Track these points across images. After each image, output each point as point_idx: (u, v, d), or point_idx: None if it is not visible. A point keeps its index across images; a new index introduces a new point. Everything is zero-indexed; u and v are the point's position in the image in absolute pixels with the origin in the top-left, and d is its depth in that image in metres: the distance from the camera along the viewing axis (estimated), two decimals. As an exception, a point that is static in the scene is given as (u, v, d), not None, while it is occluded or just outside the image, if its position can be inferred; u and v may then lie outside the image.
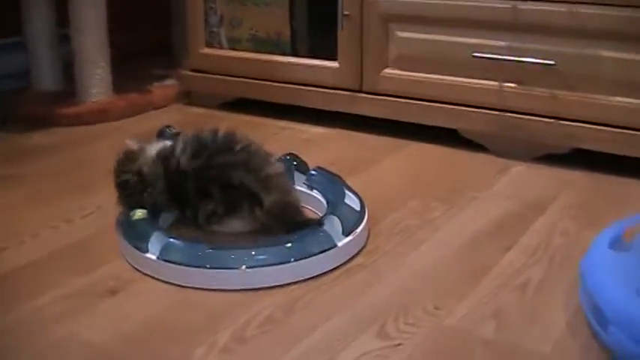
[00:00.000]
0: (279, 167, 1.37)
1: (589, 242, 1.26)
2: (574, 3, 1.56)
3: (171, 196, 1.34)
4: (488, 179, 1.60)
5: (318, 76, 1.92)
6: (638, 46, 1.53)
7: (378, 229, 1.36)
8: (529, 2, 1.61)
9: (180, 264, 1.18)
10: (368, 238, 1.32)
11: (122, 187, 1.36)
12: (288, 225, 1.28)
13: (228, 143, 1.35)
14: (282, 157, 1.45)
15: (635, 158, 1.58)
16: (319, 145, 1.84)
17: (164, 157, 1.34)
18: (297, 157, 1.47)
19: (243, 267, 1.17)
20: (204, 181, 1.30)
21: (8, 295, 1.17)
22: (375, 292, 1.16)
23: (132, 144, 1.39)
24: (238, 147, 1.34)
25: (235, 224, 1.32)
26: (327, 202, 1.36)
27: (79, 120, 2.05)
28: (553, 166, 1.65)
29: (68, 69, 2.19)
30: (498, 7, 1.64)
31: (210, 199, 1.30)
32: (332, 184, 1.41)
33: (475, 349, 1.01)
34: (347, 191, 1.37)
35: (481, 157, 1.72)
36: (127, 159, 1.37)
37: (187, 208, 1.33)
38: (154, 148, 1.37)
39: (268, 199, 1.30)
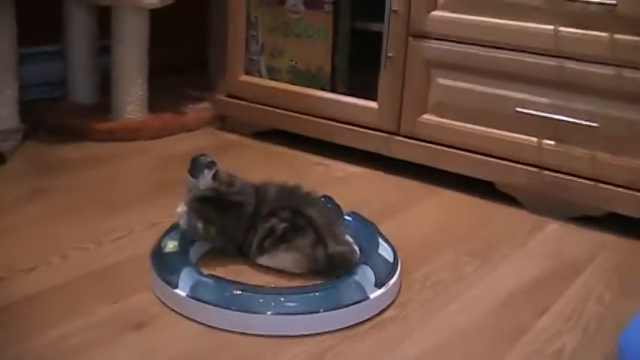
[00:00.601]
0: (344, 228, 1.39)
1: (624, 312, 1.25)
2: (621, 66, 1.55)
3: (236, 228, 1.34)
4: (523, 236, 1.57)
5: (356, 114, 1.91)
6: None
7: (409, 281, 1.34)
8: (577, 62, 1.59)
9: (209, 303, 1.16)
10: (399, 290, 1.30)
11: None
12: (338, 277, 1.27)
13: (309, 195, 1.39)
14: (319, 198, 1.43)
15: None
16: (352, 184, 1.83)
17: (257, 188, 1.38)
18: (332, 199, 1.45)
19: (268, 313, 1.15)
20: (277, 206, 1.33)
21: (32, 320, 1.16)
22: (406, 348, 1.14)
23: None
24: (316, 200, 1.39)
25: (287, 258, 1.31)
26: (360, 250, 1.34)
27: (112, 136, 2.05)
28: (589, 228, 1.62)
29: (105, 81, 2.19)
30: (544, 64, 1.63)
31: (275, 217, 1.32)
32: (366, 231, 1.40)
33: (508, 422, 0.99)
34: (380, 240, 1.35)
35: (515, 212, 1.70)
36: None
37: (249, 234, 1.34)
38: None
39: (333, 246, 1.30)
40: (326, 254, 1.29)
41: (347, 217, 1.42)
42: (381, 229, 1.42)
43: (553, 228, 1.63)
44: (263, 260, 1.33)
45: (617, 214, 1.61)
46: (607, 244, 1.56)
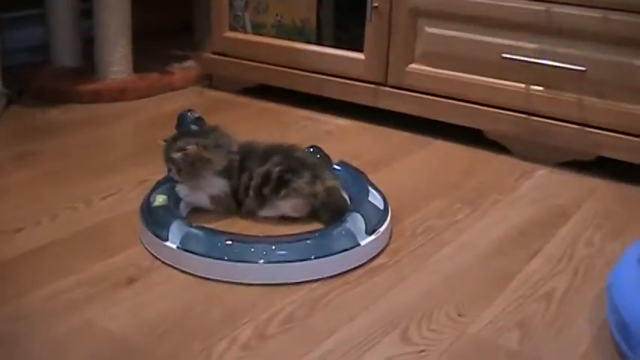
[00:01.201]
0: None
1: (614, 253, 1.26)
2: (608, 9, 1.54)
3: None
4: (512, 182, 1.58)
5: (343, 66, 1.90)
6: (672, 56, 1.51)
7: (400, 229, 1.34)
8: (563, 6, 1.58)
9: (200, 255, 1.16)
10: (390, 237, 1.30)
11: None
12: (335, 213, 1.28)
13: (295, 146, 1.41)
14: (306, 149, 1.43)
15: (662, 169, 1.56)
16: (341, 137, 1.82)
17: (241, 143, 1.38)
18: (320, 149, 1.45)
19: (261, 262, 1.16)
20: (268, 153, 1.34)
21: (23, 279, 1.15)
22: (397, 294, 1.14)
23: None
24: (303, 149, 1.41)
25: (287, 205, 1.33)
26: (350, 199, 1.34)
27: (98, 97, 2.03)
28: (577, 173, 1.62)
29: (88, 45, 2.17)
30: (531, 9, 1.61)
31: (268, 162, 1.33)
32: (356, 180, 1.39)
33: (500, 360, 1.00)
34: (370, 188, 1.35)
35: (504, 159, 1.70)
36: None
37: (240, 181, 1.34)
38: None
39: (330, 180, 1.34)
40: (324, 187, 1.32)
41: (336, 167, 1.42)
42: (371, 179, 1.41)
43: (542, 174, 1.63)
44: (265, 212, 1.34)
45: (606, 158, 1.61)
46: (596, 188, 1.56)
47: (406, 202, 1.44)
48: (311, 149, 1.44)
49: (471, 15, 1.69)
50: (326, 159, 1.43)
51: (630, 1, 1.51)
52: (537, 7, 1.61)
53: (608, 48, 1.56)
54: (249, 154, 1.35)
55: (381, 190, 1.37)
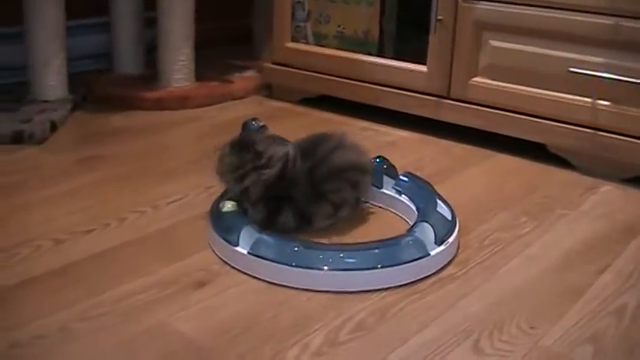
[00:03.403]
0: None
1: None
2: (678, 24, 1.53)
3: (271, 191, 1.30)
4: (577, 197, 1.56)
5: (405, 78, 1.90)
6: None
7: (467, 240, 1.33)
8: (631, 20, 1.57)
9: (270, 260, 1.17)
10: (458, 248, 1.30)
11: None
12: None
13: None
14: (372, 160, 1.43)
15: None
16: (403, 148, 1.82)
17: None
18: (386, 160, 1.45)
19: (325, 268, 1.16)
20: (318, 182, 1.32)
21: (93, 280, 1.17)
22: (468, 304, 1.13)
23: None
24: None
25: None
26: (417, 209, 1.34)
27: (160, 105, 2.06)
28: (643, 189, 1.61)
29: (150, 53, 2.20)
30: (597, 22, 1.60)
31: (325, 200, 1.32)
32: (422, 190, 1.39)
33: (575, 374, 0.99)
34: (438, 199, 1.35)
35: (568, 174, 1.69)
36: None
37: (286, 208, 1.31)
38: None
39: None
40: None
41: (402, 178, 1.42)
42: (437, 190, 1.41)
43: (607, 189, 1.61)
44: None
45: (672, 174, 1.60)
46: (663, 204, 1.55)
47: (471, 214, 1.44)
48: (377, 159, 1.44)
49: (536, 28, 1.68)
50: (392, 170, 1.44)
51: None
52: (605, 21, 1.59)
53: (677, 63, 1.55)
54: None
55: (448, 201, 1.37)
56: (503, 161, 1.76)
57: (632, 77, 1.57)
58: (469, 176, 1.67)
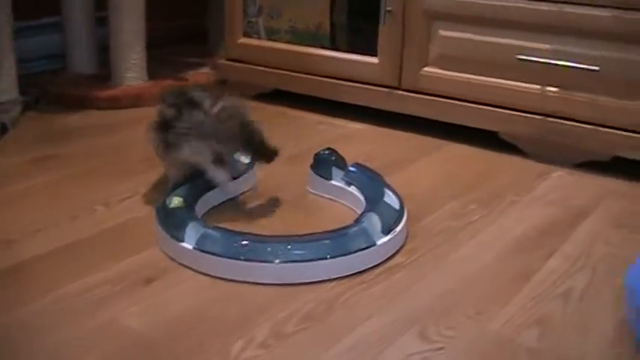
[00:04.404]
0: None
1: (632, 252, 1.25)
2: (620, 8, 1.54)
3: None
4: (528, 183, 1.57)
5: (357, 71, 1.90)
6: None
7: (416, 229, 1.34)
8: (576, 6, 1.58)
9: (216, 255, 1.16)
10: (407, 237, 1.30)
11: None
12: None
13: None
14: (321, 152, 1.43)
15: (679, 169, 1.56)
16: (356, 140, 1.82)
17: None
18: (335, 152, 1.45)
19: (277, 261, 1.16)
20: None
21: (45, 278, 1.16)
22: (415, 293, 1.14)
23: None
24: None
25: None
26: (366, 200, 1.34)
27: (114, 103, 2.05)
28: (594, 173, 1.62)
29: (104, 52, 2.18)
30: (544, 10, 1.62)
31: None
32: (371, 181, 1.39)
33: (519, 357, 0.99)
34: (386, 189, 1.35)
35: (520, 160, 1.70)
36: None
37: None
38: None
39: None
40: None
41: (351, 168, 1.42)
42: (388, 181, 1.42)
43: (558, 175, 1.63)
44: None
45: (622, 158, 1.61)
46: (613, 188, 1.56)
47: (422, 203, 1.44)
48: (326, 151, 1.44)
49: (485, 17, 1.69)
50: (341, 161, 1.44)
51: (643, 0, 1.51)
52: (551, 8, 1.61)
53: (621, 47, 1.56)
54: None
55: (397, 191, 1.37)
56: (456, 150, 1.76)
57: (579, 63, 1.59)
58: (422, 166, 1.68)
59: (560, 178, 1.61)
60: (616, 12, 1.54)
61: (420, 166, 1.67)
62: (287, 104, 2.05)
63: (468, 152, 1.75)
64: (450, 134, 1.80)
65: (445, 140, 1.80)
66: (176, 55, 2.48)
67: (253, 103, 2.08)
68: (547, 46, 1.63)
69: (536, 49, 1.64)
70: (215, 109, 1.33)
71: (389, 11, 1.80)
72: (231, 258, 1.15)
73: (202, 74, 2.25)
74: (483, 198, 1.49)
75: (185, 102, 1.35)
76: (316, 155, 1.46)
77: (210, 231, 1.19)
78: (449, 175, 1.62)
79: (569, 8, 1.59)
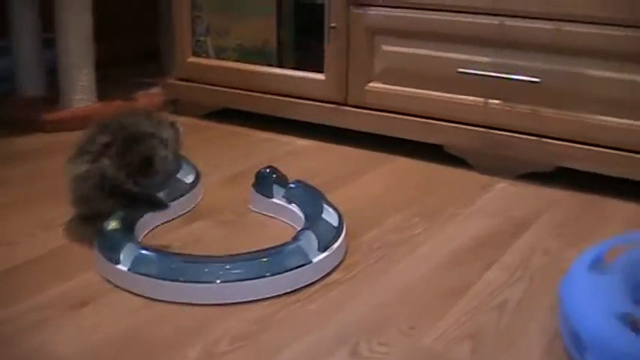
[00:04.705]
0: None
1: (570, 262, 1.25)
2: (560, 20, 1.55)
3: None
4: (471, 196, 1.58)
5: (304, 87, 1.91)
6: (623, 65, 1.52)
7: (356, 245, 1.34)
8: (515, 19, 1.60)
9: (151, 276, 1.16)
10: (346, 253, 1.30)
11: None
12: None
13: None
14: (262, 170, 1.43)
15: (619, 178, 1.57)
16: (302, 157, 1.83)
17: None
18: (276, 170, 1.45)
19: (218, 281, 1.15)
20: None
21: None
22: (349, 310, 1.14)
23: None
24: None
25: None
26: (305, 217, 1.34)
27: (62, 126, 2.03)
28: (537, 184, 1.63)
29: (53, 74, 2.17)
30: (484, 23, 1.63)
31: None
32: (311, 198, 1.39)
33: (448, 371, 1.00)
34: (325, 205, 1.35)
35: (465, 173, 1.71)
36: None
37: None
38: None
39: None
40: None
41: (291, 185, 1.42)
42: (330, 197, 1.42)
43: (502, 186, 1.64)
44: None
45: (565, 169, 1.62)
46: (555, 199, 1.57)
47: (364, 219, 1.44)
48: (267, 169, 1.44)
49: (426, 31, 1.70)
50: (282, 179, 1.44)
51: (580, 12, 1.53)
52: (490, 21, 1.62)
53: (561, 59, 1.57)
54: None
55: (339, 207, 1.37)
56: (402, 164, 1.77)
57: (518, 75, 1.60)
58: (367, 180, 1.68)
59: (503, 189, 1.62)
60: (556, 24, 1.56)
61: (364, 181, 1.68)
62: (236, 122, 2.05)
63: (414, 165, 1.76)
64: (396, 149, 1.81)
65: (391, 154, 1.81)
66: (129, 74, 2.47)
67: (203, 123, 2.09)
68: (488, 59, 1.65)
69: (477, 62, 1.66)
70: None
71: (333, 27, 1.81)
72: (165, 279, 1.15)
73: (152, 95, 2.24)
74: (426, 211, 1.49)
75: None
76: (258, 173, 1.46)
77: (145, 252, 1.18)
78: (393, 189, 1.63)
79: (509, 21, 1.61)
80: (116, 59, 2.44)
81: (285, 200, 1.42)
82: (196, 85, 2.10)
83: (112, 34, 2.24)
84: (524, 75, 1.60)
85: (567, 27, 1.55)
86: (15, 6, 2.16)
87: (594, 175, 1.59)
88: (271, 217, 1.44)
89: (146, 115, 1.51)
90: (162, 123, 1.50)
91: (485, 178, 1.67)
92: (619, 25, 1.50)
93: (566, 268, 1.11)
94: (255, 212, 1.47)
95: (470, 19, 1.64)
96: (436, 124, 1.73)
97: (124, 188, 1.32)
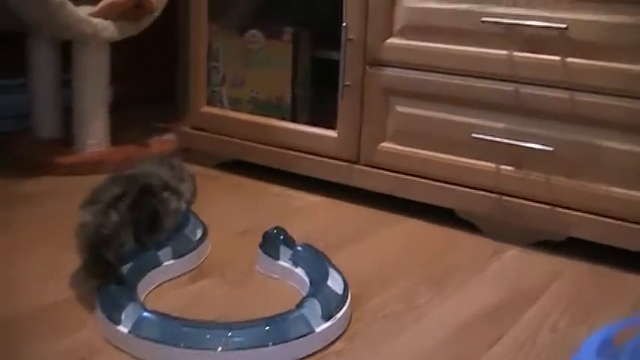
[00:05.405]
0: None
1: (577, 340, 1.24)
2: (575, 90, 1.55)
3: None
4: (481, 262, 1.56)
5: (316, 144, 1.90)
6: (638, 136, 1.50)
7: (360, 313, 1.32)
8: (531, 86, 1.59)
9: (152, 340, 1.14)
10: (350, 322, 1.28)
11: None
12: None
13: None
14: (270, 231, 1.42)
15: (632, 251, 1.55)
16: (310, 214, 1.82)
17: None
18: (283, 231, 1.44)
19: (219, 349, 1.14)
20: None
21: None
22: (351, 383, 1.12)
23: None
24: None
25: None
26: (310, 282, 1.33)
27: (73, 170, 2.03)
28: (548, 253, 1.61)
29: (70, 116, 2.18)
30: (500, 89, 1.62)
31: None
32: (317, 262, 1.38)
33: None
34: (331, 270, 1.34)
35: (475, 239, 1.69)
36: None
37: None
38: None
39: None
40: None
41: (298, 248, 1.41)
42: (337, 259, 1.40)
43: (512, 254, 1.62)
44: None
45: (576, 239, 1.60)
46: (565, 269, 1.55)
47: (370, 283, 1.43)
48: (275, 230, 1.43)
49: (442, 94, 1.70)
50: (290, 241, 1.43)
51: (595, 83, 1.52)
52: (506, 88, 1.61)
53: (575, 128, 1.56)
54: None
55: (345, 270, 1.36)
56: (412, 226, 1.75)
57: (532, 143, 1.59)
58: (375, 242, 1.67)
59: (513, 257, 1.61)
60: (570, 94, 1.55)
61: (373, 243, 1.66)
62: (247, 174, 2.05)
63: (424, 228, 1.74)
64: (407, 210, 1.80)
65: (402, 216, 1.79)
66: (144, 117, 2.47)
67: (214, 172, 2.09)
68: (502, 125, 1.64)
69: (492, 128, 1.65)
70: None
71: (347, 86, 1.80)
72: (166, 344, 1.13)
73: (166, 141, 2.24)
74: (434, 278, 1.48)
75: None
76: (265, 234, 1.45)
77: (147, 315, 1.17)
78: (402, 252, 1.61)
79: (524, 89, 1.60)
80: (133, 100, 2.45)
81: (291, 263, 1.41)
82: (209, 134, 2.10)
83: (130, 74, 2.25)
84: (537, 143, 1.59)
85: (582, 97, 1.54)
86: (35, 44, 2.17)
87: (606, 246, 1.57)
88: (277, 279, 1.43)
89: (169, 166, 1.52)
90: (182, 174, 1.49)
91: (495, 245, 1.65)
92: (634, 98, 1.49)
93: (574, 347, 1.09)
94: (262, 273, 1.45)
95: (485, 85, 1.64)
96: (448, 187, 1.72)
97: (101, 253, 1.30)
